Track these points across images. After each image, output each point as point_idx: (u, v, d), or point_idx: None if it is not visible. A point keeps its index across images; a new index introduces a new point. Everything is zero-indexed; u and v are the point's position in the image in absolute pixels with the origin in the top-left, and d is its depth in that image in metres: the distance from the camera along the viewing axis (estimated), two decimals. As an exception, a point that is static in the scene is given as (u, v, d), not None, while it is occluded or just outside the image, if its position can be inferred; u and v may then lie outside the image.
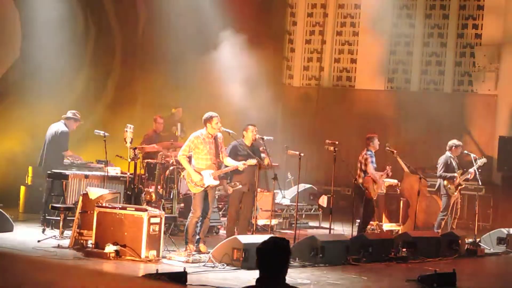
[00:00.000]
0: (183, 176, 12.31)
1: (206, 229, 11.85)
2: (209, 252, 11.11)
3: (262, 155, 12.71)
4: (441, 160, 15.18)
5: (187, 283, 9.05)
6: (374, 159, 14.01)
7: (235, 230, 12.38)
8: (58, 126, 13.80)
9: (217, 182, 11.69)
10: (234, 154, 12.11)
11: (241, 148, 12.22)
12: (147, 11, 17.27)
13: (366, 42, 20.32)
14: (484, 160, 15.16)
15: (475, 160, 15.02)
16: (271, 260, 5.46)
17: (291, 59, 21.20)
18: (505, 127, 18.53)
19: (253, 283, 5.51)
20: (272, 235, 11.57)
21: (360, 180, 13.86)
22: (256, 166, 11.97)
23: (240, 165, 11.78)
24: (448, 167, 15.04)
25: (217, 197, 14.00)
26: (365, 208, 13.88)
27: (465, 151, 15.59)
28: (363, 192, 13.78)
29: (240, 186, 12.11)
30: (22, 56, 16.30)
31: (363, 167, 13.96)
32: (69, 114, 13.89)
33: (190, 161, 11.70)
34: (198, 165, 11.59)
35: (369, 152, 14.02)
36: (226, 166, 11.91)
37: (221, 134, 11.87)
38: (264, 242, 5.57)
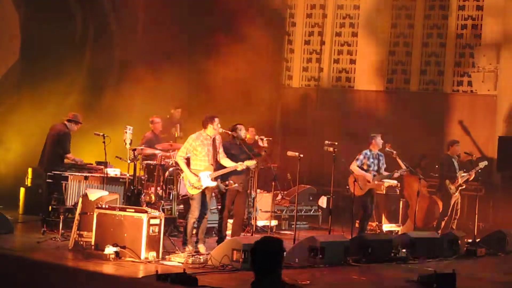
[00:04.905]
0: (182, 177, 12.33)
1: (204, 229, 11.89)
2: (208, 253, 11.11)
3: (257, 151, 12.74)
4: (442, 160, 15.22)
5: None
6: (362, 156, 14.13)
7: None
8: (60, 128, 13.81)
9: (214, 184, 11.73)
10: (226, 153, 12.11)
11: (232, 147, 12.24)
12: (146, 12, 17.27)
13: (365, 43, 20.31)
14: (485, 163, 15.17)
15: (476, 160, 15.05)
16: (266, 259, 5.45)
17: (290, 60, 21.19)
18: (505, 128, 18.53)
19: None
20: (265, 235, 11.64)
21: None
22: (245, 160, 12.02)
23: (239, 165, 11.80)
24: (449, 167, 15.07)
25: (213, 196, 14.01)
26: (359, 207, 14.11)
27: (465, 152, 15.62)
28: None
29: (236, 185, 12.09)
30: (21, 58, 16.31)
31: None
32: (71, 116, 13.90)
33: (188, 163, 11.73)
34: (196, 167, 11.62)
35: (364, 151, 14.19)
36: (223, 167, 11.92)
37: (220, 135, 11.90)
38: (257, 242, 5.55)
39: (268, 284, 5.43)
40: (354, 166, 14.05)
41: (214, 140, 11.74)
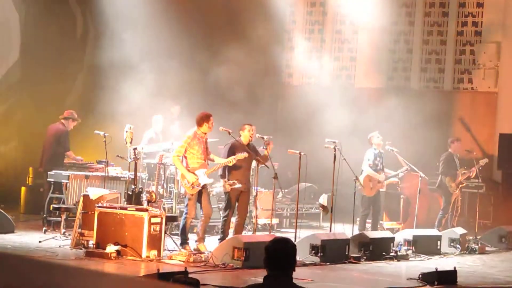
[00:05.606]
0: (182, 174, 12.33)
1: (206, 228, 11.89)
2: (209, 251, 11.11)
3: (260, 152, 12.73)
4: (443, 157, 15.25)
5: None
6: (371, 157, 14.27)
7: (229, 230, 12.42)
8: (57, 127, 13.83)
9: (211, 180, 11.77)
10: (232, 153, 12.10)
11: (238, 147, 12.20)
12: (147, 11, 17.26)
13: (366, 41, 20.30)
14: (485, 160, 15.18)
15: (476, 157, 15.07)
16: (282, 258, 5.51)
17: (291, 57, 21.18)
18: (506, 125, 18.52)
19: (256, 281, 5.53)
20: (274, 234, 11.66)
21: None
22: (249, 159, 12.04)
23: (231, 160, 11.83)
24: (450, 164, 15.08)
25: (214, 194, 14.01)
26: (361, 205, 14.23)
27: (466, 149, 15.62)
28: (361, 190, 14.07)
29: (240, 185, 12.08)
30: (21, 58, 16.31)
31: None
32: (66, 113, 13.91)
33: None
34: (192, 165, 11.64)
35: (369, 150, 14.31)
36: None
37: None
38: (275, 241, 5.60)
39: (281, 280, 5.49)
40: (366, 167, 14.18)
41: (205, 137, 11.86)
